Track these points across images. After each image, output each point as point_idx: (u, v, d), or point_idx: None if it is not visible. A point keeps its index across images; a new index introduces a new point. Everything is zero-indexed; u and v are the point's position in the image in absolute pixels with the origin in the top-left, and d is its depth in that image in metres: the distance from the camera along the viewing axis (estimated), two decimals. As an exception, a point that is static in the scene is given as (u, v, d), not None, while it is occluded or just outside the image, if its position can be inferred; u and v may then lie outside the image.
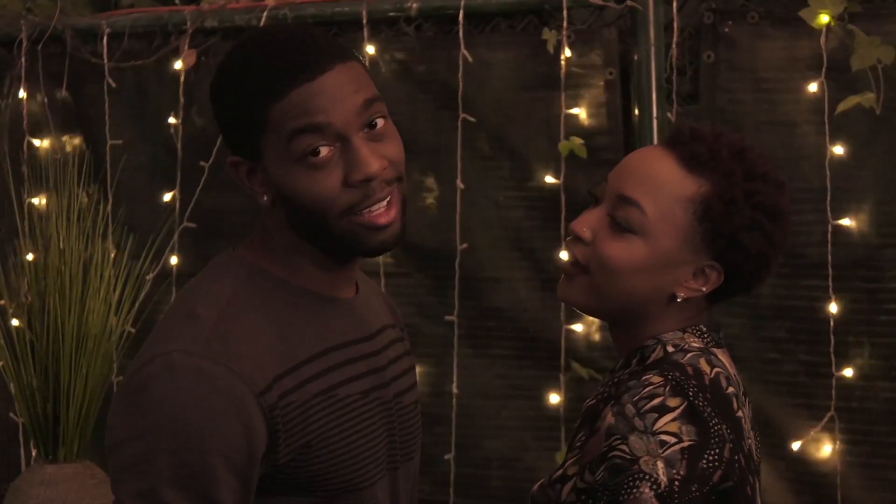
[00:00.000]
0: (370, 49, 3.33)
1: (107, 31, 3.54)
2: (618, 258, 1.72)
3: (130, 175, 3.57)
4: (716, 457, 1.63)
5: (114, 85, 3.55)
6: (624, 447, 1.62)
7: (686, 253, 1.73)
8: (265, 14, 3.39)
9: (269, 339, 1.59)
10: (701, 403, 1.64)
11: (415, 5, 3.33)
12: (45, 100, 3.59)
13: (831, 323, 3.03)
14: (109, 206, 3.39)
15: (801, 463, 3.10)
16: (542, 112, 3.24)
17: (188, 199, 3.45)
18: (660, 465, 1.60)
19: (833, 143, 3.01)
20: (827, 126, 2.99)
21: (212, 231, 3.45)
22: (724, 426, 1.66)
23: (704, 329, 1.78)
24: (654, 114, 3.12)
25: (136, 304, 3.14)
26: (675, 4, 3.11)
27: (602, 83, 3.19)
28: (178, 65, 3.47)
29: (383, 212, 1.61)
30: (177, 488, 1.53)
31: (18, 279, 3.02)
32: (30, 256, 3.07)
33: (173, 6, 3.57)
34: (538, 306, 3.21)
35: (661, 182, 1.73)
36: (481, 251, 3.30)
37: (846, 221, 3.04)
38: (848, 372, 3.06)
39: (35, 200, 3.43)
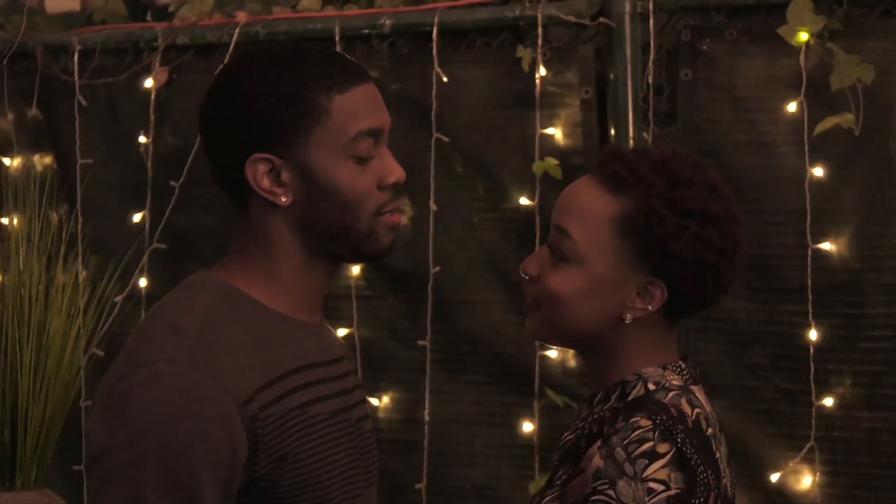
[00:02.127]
0: None
1: (78, 47, 3.55)
2: (558, 288, 1.76)
3: (100, 194, 3.58)
4: None
5: (84, 103, 3.57)
6: (611, 492, 1.65)
7: (622, 273, 1.76)
8: (237, 31, 3.41)
9: (249, 353, 1.62)
10: (689, 451, 1.67)
11: (388, 22, 3.33)
12: (15, 117, 3.62)
13: (811, 350, 3.01)
14: (79, 226, 3.42)
15: (780, 495, 3.07)
16: (517, 131, 3.23)
17: (158, 219, 3.47)
18: None
19: (813, 164, 3.00)
20: (807, 147, 2.99)
21: (182, 252, 3.45)
22: (709, 472, 1.69)
23: (683, 366, 1.80)
24: (631, 134, 3.12)
25: (105, 327, 3.14)
26: (652, 22, 3.10)
27: (578, 102, 3.19)
28: (149, 82, 3.49)
29: (399, 215, 1.72)
30: (163, 496, 1.55)
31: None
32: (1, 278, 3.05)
33: (145, 23, 3.60)
34: (513, 331, 3.19)
35: (585, 207, 1.77)
36: (455, 274, 3.29)
37: (826, 245, 3.02)
38: (828, 401, 3.03)
39: (5, 220, 3.43)
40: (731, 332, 3.10)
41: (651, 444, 1.67)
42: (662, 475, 1.65)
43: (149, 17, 3.64)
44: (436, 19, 3.23)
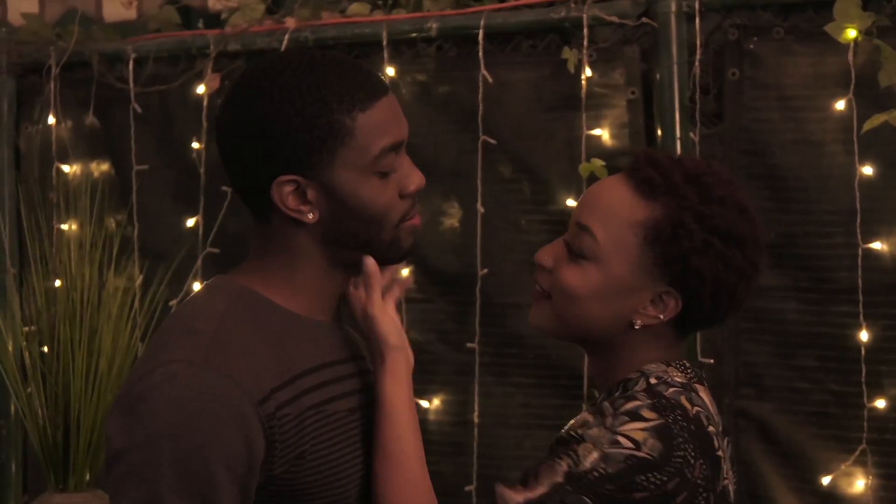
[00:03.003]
0: (390, 71, 3.35)
1: (132, 55, 3.60)
2: (573, 284, 1.76)
3: (155, 200, 3.63)
4: (656, 482, 1.65)
5: (139, 110, 3.61)
6: (581, 430, 1.67)
7: (640, 279, 1.75)
8: (287, 36, 3.42)
9: (265, 353, 1.64)
10: (677, 429, 1.66)
11: (435, 25, 3.34)
12: (72, 125, 3.67)
13: (862, 351, 2.97)
14: (135, 232, 3.53)
15: (832, 498, 3.03)
16: (563, 133, 3.23)
17: (211, 224, 3.49)
18: (594, 454, 1.64)
19: (862, 162, 2.96)
20: (856, 145, 2.95)
21: (234, 256, 3.29)
22: (698, 463, 1.68)
23: (688, 364, 1.80)
24: (678, 134, 3.11)
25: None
26: (698, 21, 3.08)
27: (624, 103, 3.18)
28: (201, 89, 3.52)
29: (418, 217, 1.74)
30: (180, 496, 1.56)
31: (30, 307, 3.09)
32: (57, 283, 3.14)
33: (197, 30, 3.62)
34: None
35: (613, 208, 1.76)
36: (503, 276, 3.27)
37: (877, 245, 2.98)
38: (880, 403, 2.99)
39: (65, 226, 3.48)
40: (781, 333, 3.08)
41: (639, 404, 1.67)
42: (638, 435, 1.65)
43: (201, 25, 3.66)
44: (482, 22, 3.24)
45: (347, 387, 1.75)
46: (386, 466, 1.70)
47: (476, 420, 3.31)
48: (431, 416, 3.37)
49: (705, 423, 1.73)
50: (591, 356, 1.86)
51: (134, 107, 3.59)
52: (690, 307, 1.77)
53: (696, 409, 1.73)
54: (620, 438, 1.64)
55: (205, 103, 3.51)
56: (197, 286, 3.49)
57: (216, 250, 3.51)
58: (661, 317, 1.76)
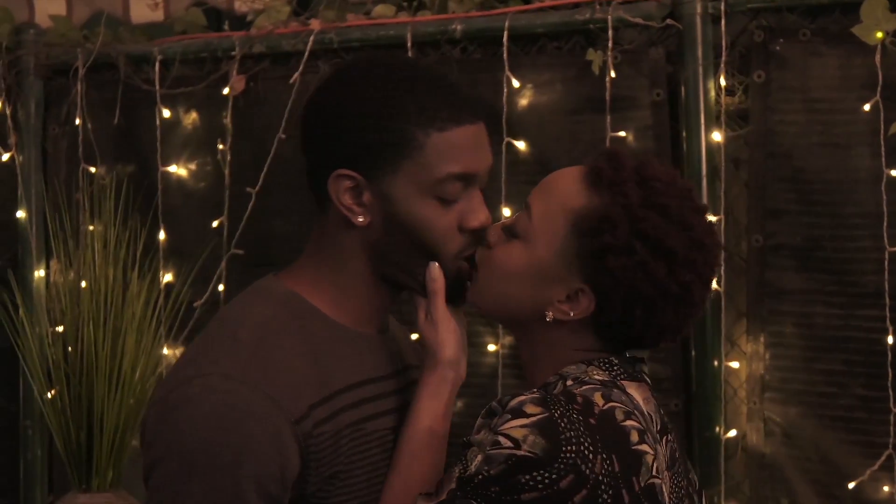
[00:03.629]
0: None
1: (159, 57, 3.59)
2: (496, 259, 1.72)
3: (180, 201, 3.62)
4: (544, 481, 1.58)
5: (167, 113, 3.61)
6: (471, 435, 1.65)
7: (560, 268, 1.70)
8: (311, 38, 3.43)
9: (306, 366, 1.62)
10: (563, 423, 1.59)
11: (459, 27, 3.33)
12: (99, 127, 3.67)
13: (889, 355, 2.95)
14: (160, 233, 3.52)
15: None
16: (587, 135, 3.20)
17: (236, 226, 3.48)
18: (479, 457, 1.60)
19: (890, 165, 2.95)
20: (883, 148, 2.93)
21: (259, 258, 3.45)
22: (600, 456, 1.60)
23: (616, 361, 1.73)
24: (703, 136, 3.09)
25: (185, 332, 3.22)
26: (723, 23, 3.07)
27: (649, 105, 3.16)
28: (226, 90, 3.52)
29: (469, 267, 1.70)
30: None
31: (55, 307, 3.12)
32: (82, 284, 3.16)
33: (222, 32, 3.63)
34: None
35: (556, 191, 1.72)
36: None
37: (904, 249, 2.92)
38: (907, 407, 2.93)
39: (90, 227, 3.45)
40: (807, 337, 3.06)
41: (522, 400, 1.61)
42: (517, 433, 1.58)
43: (226, 27, 3.69)
44: (506, 24, 3.23)
45: (390, 404, 1.73)
46: (391, 481, 1.69)
47: None
48: (455, 419, 3.29)
49: (619, 417, 1.64)
50: (521, 350, 1.82)
51: (160, 108, 3.59)
52: (602, 311, 1.70)
53: (609, 404, 1.64)
54: (501, 438, 1.59)
55: (230, 105, 3.51)
56: (221, 288, 3.50)
57: (240, 252, 3.49)
58: (572, 314, 1.70)
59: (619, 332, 1.74)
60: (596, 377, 1.70)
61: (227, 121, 3.52)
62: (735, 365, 3.10)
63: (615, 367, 1.74)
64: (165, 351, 3.20)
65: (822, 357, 3.05)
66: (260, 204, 3.44)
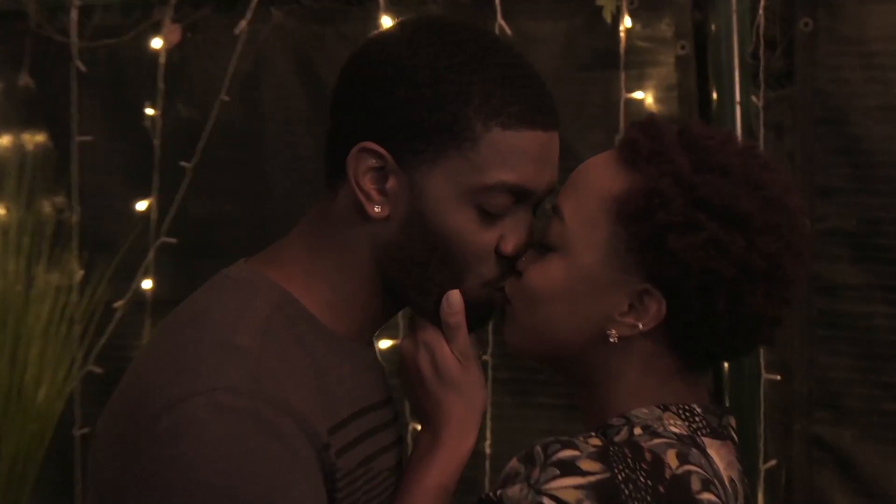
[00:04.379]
0: (386, 21, 3.18)
1: (76, 3, 3.45)
2: (532, 281, 1.64)
3: (99, 179, 3.51)
4: None
5: (83, 69, 3.48)
6: (503, 489, 1.54)
7: (613, 272, 1.62)
8: (264, -22, 3.31)
9: (313, 384, 1.54)
10: (627, 489, 1.49)
11: (443, -34, 3.22)
12: (3, 87, 3.57)
13: None
14: (73, 217, 3.41)
15: (924, 545, 2.96)
16: (598, 97, 3.11)
17: (168, 208, 3.38)
18: None
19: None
20: None
21: (196, 248, 3.36)
22: None
23: (698, 409, 1.64)
24: (737, 98, 2.97)
25: (103, 339, 3.12)
26: (761, -41, 2.98)
27: (672, 60, 3.07)
28: (158, 43, 3.40)
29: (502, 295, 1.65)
30: None
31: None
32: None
33: (154, -28, 3.47)
34: None
35: (587, 182, 1.66)
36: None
37: (982, 233, 2.88)
38: None
39: (-5, 209, 3.43)
40: (865, 343, 3.00)
41: (577, 454, 1.52)
42: (568, 496, 1.48)
43: (159, -34, 3.48)
44: (499, -40, 3.10)
45: (390, 437, 1.67)
46: None
47: (488, 451, 3.16)
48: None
49: (695, 487, 1.53)
50: (576, 390, 1.72)
51: (77, 64, 3.46)
52: (677, 312, 1.60)
53: (685, 467, 1.54)
54: (546, 500, 1.48)
55: (162, 60, 3.40)
56: (148, 284, 3.40)
57: (173, 240, 3.39)
58: (640, 325, 1.60)
59: (702, 338, 1.63)
60: (672, 429, 1.60)
61: (159, 80, 3.40)
62: (777, 378, 3.03)
63: (697, 418, 1.63)
64: (77, 364, 3.09)
65: (884, 367, 2.98)
66: (197, 181, 3.35)
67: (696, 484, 1.54)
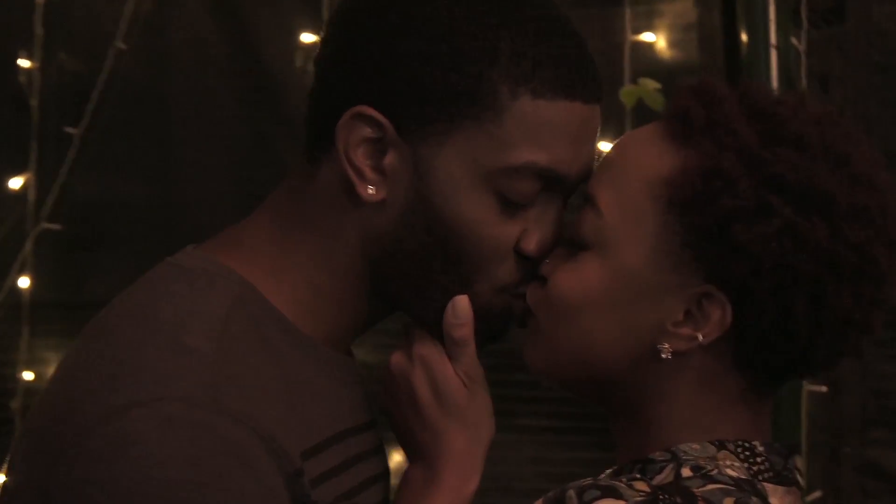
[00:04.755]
0: None
1: None
2: (563, 288, 1.56)
3: None
4: None
5: None
6: None
7: (665, 272, 1.53)
8: None
9: (282, 397, 1.47)
10: None
11: None
12: None
13: None
14: None
15: None
16: (597, 41, 2.81)
17: (48, 188, 3.29)
18: None
19: None
20: None
21: (84, 237, 3.32)
22: None
23: (760, 448, 1.53)
24: (772, 40, 2.73)
25: None
26: None
27: None
28: None
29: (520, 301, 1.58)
30: None
31: None
32: None
33: None
34: None
35: (628, 163, 1.57)
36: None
37: None
38: None
39: None
40: None
41: (621, 503, 1.43)
42: None
43: None
44: None
45: (375, 468, 1.59)
46: None
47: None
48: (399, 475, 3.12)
49: None
50: (613, 420, 1.62)
51: None
52: (745, 320, 1.50)
53: None
54: None
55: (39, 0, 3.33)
56: (25, 283, 3.29)
57: (56, 226, 3.28)
58: (701, 336, 1.49)
59: (775, 351, 1.51)
60: (729, 472, 1.51)
61: (36, 24, 3.30)
62: (822, 390, 2.89)
63: (759, 459, 1.53)
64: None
65: None
66: (87, 153, 3.25)
67: None
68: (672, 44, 3.08)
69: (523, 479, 3.16)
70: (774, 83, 2.78)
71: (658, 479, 1.51)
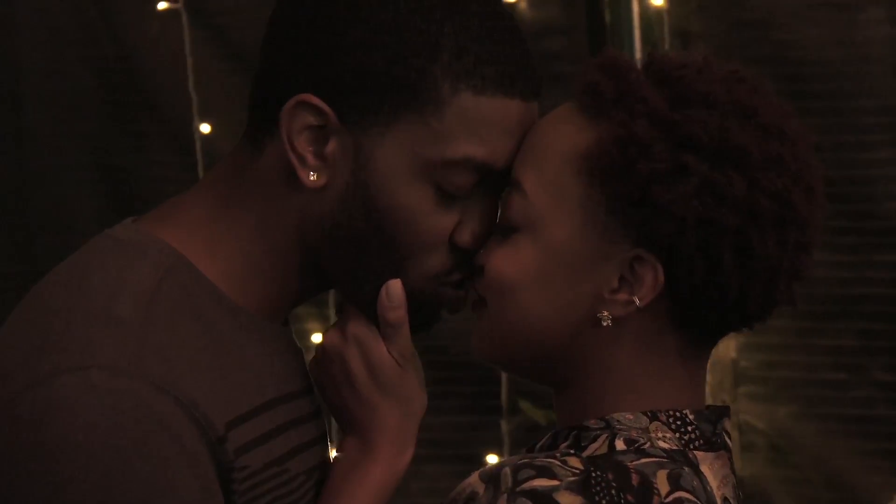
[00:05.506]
0: None
1: None
2: (499, 271, 1.61)
3: None
4: None
5: None
6: None
7: (595, 242, 1.57)
8: None
9: (209, 366, 1.50)
10: None
11: None
12: None
13: None
14: None
15: None
16: None
17: None
18: None
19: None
20: None
21: None
22: None
23: (691, 416, 1.59)
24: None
25: None
26: None
27: None
28: None
29: (458, 294, 1.60)
30: None
31: None
32: None
33: None
34: (467, 315, 2.76)
35: (546, 143, 1.61)
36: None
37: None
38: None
39: None
40: (801, 299, 2.72)
41: (554, 483, 1.46)
42: None
43: None
44: None
45: (309, 433, 1.60)
46: None
47: (334, 453, 2.90)
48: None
49: None
50: (556, 394, 1.66)
51: None
52: (677, 279, 1.53)
53: (675, 494, 1.51)
54: None
55: None
56: None
57: None
58: (637, 299, 1.54)
59: (709, 306, 1.55)
60: (661, 444, 1.55)
61: None
62: None
63: (689, 428, 1.58)
64: None
65: (824, 328, 2.96)
66: None
67: None
68: (534, 4, 3.04)
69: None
70: (637, 42, 2.90)
71: (592, 448, 1.55)
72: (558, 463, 1.49)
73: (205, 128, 3.07)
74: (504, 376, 3.03)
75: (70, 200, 3.20)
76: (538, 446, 1.65)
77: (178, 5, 3.09)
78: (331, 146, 1.52)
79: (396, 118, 1.52)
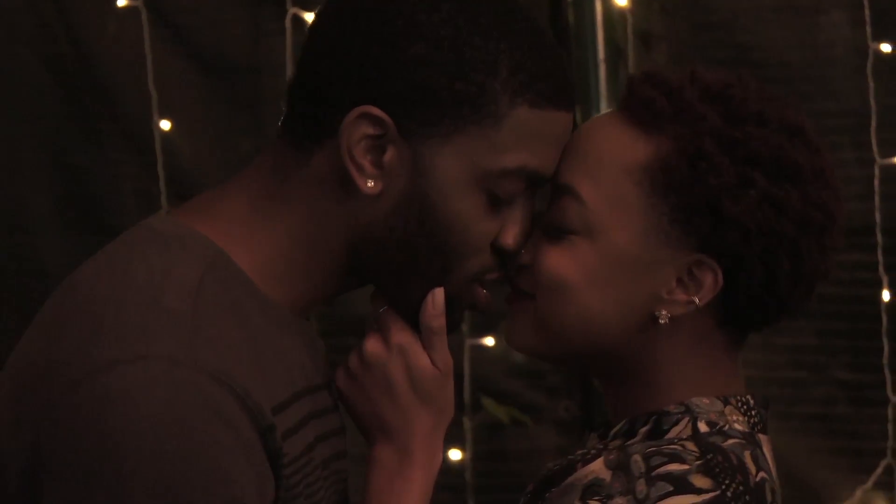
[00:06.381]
0: None
1: None
2: (560, 270, 1.69)
3: None
4: None
5: None
6: (594, 501, 1.59)
7: (656, 248, 1.67)
8: None
9: (251, 357, 1.54)
10: None
11: None
12: None
13: (883, 320, 2.93)
14: None
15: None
16: None
17: None
18: None
19: (878, 38, 2.90)
20: (868, 14, 2.86)
21: None
22: None
23: (752, 401, 1.70)
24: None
25: None
26: None
27: None
28: None
29: (488, 296, 1.66)
30: None
31: None
32: None
33: None
34: None
35: (601, 153, 1.69)
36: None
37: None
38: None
39: None
40: None
41: (686, 468, 1.58)
42: None
43: None
44: None
45: (333, 423, 1.66)
46: None
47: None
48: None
49: (769, 498, 1.65)
50: (605, 382, 1.77)
51: None
52: (736, 282, 1.64)
53: (760, 474, 1.63)
54: None
55: None
56: None
57: None
58: (697, 300, 1.64)
59: (761, 306, 1.67)
60: (737, 426, 1.67)
61: None
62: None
63: (753, 412, 1.70)
64: None
65: (784, 327, 2.85)
66: None
67: (769, 494, 1.64)
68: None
69: (360, 442, 3.08)
70: (600, 43, 2.93)
71: (676, 431, 1.64)
72: (681, 448, 1.59)
73: (164, 125, 3.06)
74: (466, 374, 3.05)
75: (28, 199, 3.19)
76: (614, 431, 1.70)
77: (138, 3, 3.04)
78: (389, 155, 1.56)
79: (456, 130, 1.56)
